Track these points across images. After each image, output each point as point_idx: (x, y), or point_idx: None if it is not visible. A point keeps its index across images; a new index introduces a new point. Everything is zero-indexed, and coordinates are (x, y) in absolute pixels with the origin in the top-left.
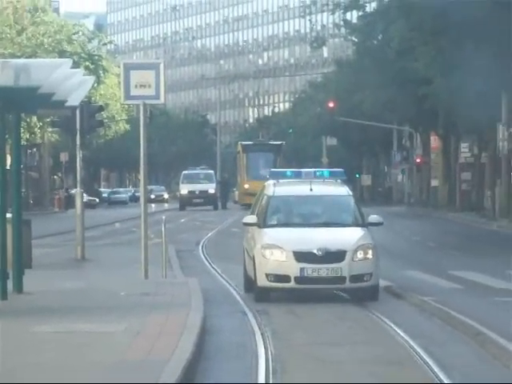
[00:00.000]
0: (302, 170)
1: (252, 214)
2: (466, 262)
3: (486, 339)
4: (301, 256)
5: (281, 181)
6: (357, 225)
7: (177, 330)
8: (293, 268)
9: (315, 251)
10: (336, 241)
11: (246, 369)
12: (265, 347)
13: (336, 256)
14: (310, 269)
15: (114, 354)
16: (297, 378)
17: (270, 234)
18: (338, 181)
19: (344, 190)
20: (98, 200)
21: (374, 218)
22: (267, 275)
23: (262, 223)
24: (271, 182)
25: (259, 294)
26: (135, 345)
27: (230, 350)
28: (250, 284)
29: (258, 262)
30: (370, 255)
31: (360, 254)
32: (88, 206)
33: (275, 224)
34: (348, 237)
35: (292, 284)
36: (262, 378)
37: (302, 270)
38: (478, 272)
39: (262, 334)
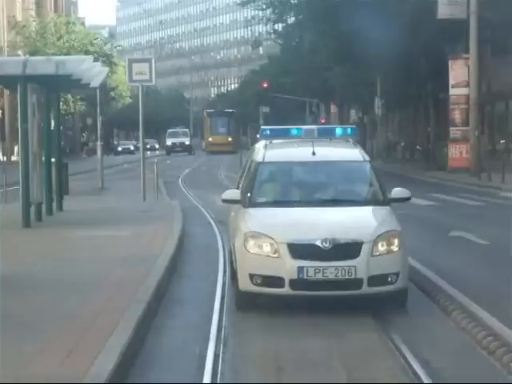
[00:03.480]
0: (303, 126)
1: (237, 187)
2: None
3: None
4: (298, 250)
5: (274, 141)
6: (376, 202)
7: (165, 234)
8: (287, 267)
9: (319, 243)
10: (348, 227)
11: (210, 258)
12: (223, 247)
13: (348, 249)
14: (312, 268)
15: (123, 250)
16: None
17: (257, 218)
18: (350, 140)
19: (358, 154)
20: (133, 148)
21: (398, 191)
22: (251, 276)
23: (247, 201)
24: (262, 142)
25: (241, 301)
26: (137, 244)
27: (201, 247)
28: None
29: (240, 257)
30: (395, 247)
31: (382, 246)
32: (123, 152)
33: (264, 202)
34: (365, 221)
35: (286, 290)
36: (221, 263)
37: (300, 269)
38: None
39: (221, 238)
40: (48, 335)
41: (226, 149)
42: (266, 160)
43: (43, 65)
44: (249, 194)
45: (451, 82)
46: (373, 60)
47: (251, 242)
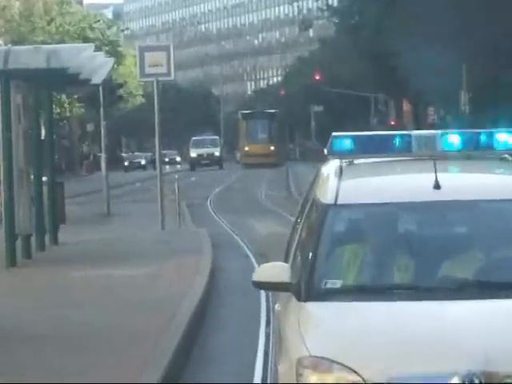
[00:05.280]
0: (412, 132)
1: (285, 257)
2: None
3: None
4: None
5: (357, 162)
6: None
7: (190, 273)
8: None
9: (456, 381)
10: None
11: (249, 304)
12: None
13: None
14: None
15: (136, 295)
16: None
17: (324, 326)
18: (508, 158)
19: None
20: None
21: None
22: None
23: (304, 288)
24: (332, 164)
25: None
26: (154, 287)
27: (237, 289)
28: None
29: None
30: None
31: None
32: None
33: (338, 290)
34: None
35: None
36: (263, 310)
37: None
38: None
39: None
40: None
41: (267, 161)
42: (341, 201)
43: (30, 56)
44: (307, 273)
45: None
46: (458, 41)
47: (312, 378)
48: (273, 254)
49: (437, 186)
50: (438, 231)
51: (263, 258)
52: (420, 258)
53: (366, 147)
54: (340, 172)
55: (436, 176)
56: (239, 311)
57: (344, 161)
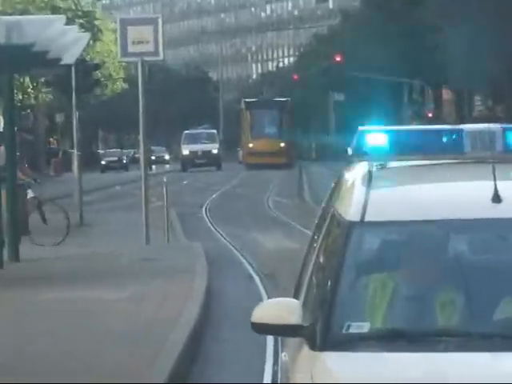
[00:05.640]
0: (464, 126)
1: (294, 292)
2: None
3: None
4: None
5: (390, 166)
6: None
7: (181, 296)
8: None
9: None
10: None
11: (253, 336)
12: None
13: None
14: None
15: (117, 321)
16: None
17: None
18: None
19: None
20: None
21: None
22: None
23: (320, 333)
24: (359, 168)
25: None
26: (138, 312)
27: (238, 318)
28: None
29: None
30: None
31: None
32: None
33: (364, 337)
34: None
35: None
36: (270, 346)
37: None
38: None
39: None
40: None
41: (276, 160)
42: (369, 217)
43: None
44: (324, 313)
45: None
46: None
47: None
48: (282, 275)
49: (496, 199)
50: (496, 258)
51: (270, 279)
52: (472, 294)
53: (402, 145)
54: (369, 178)
55: (495, 185)
56: (239, 348)
57: (374, 163)
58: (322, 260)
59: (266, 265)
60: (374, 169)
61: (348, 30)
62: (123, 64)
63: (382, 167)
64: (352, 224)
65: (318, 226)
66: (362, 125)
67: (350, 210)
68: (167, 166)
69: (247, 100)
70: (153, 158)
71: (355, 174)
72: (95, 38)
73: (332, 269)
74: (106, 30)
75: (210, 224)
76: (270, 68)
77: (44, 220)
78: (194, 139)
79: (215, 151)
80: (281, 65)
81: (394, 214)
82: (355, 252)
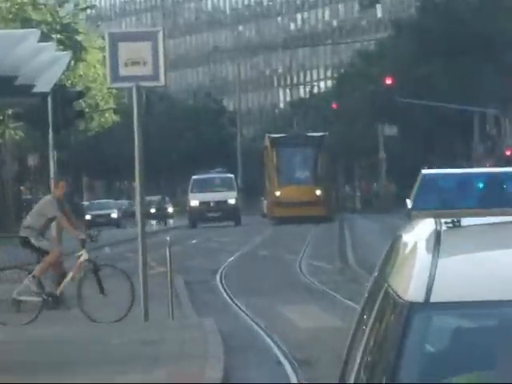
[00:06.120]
0: None
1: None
2: None
3: None
4: None
5: (468, 224)
6: None
7: None
8: None
9: None
10: None
11: None
12: None
13: None
14: None
15: None
16: None
17: None
18: None
19: None
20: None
21: None
22: None
23: None
24: (426, 225)
25: None
26: None
27: None
28: None
29: None
30: None
31: None
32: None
33: None
34: None
35: None
36: None
37: None
38: None
39: None
40: None
41: (310, 212)
42: (437, 297)
43: None
44: None
45: None
46: None
47: None
48: (320, 362)
49: None
50: None
51: (306, 367)
52: None
53: (484, 196)
54: (436, 241)
55: None
56: None
57: (443, 220)
58: (373, 347)
59: (299, 348)
60: (444, 228)
61: (401, 45)
62: (113, 91)
63: (455, 225)
64: (413, 306)
65: (369, 301)
66: (425, 167)
67: (409, 287)
68: (171, 221)
69: (273, 136)
70: (152, 210)
71: (417, 234)
72: (78, 57)
73: (388, 362)
74: (91, 47)
75: (225, 295)
76: (302, 94)
77: (102, 290)
78: (204, 186)
79: (232, 201)
80: (315, 90)
81: (470, 293)
82: (417, 343)
